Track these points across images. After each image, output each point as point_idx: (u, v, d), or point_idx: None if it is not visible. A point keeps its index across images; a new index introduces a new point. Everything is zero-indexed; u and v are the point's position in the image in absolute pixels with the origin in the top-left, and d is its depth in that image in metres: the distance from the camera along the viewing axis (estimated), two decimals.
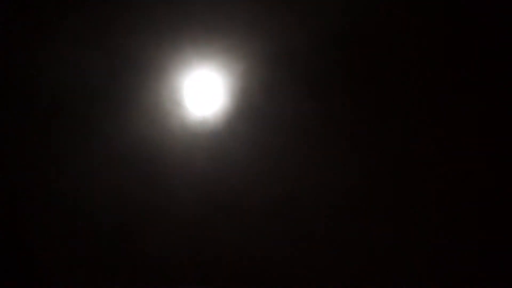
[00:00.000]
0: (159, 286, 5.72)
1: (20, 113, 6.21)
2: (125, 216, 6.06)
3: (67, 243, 6.10)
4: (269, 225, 6.29)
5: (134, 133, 6.10)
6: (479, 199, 6.77)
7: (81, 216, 6.16)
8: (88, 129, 6.09)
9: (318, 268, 6.38)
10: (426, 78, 6.60)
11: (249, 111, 6.29)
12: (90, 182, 6.13)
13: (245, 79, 6.26)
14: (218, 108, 6.08)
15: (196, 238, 5.91)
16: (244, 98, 6.14)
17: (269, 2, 6.32)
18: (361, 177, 6.32)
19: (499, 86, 6.59)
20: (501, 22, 7.09)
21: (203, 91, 6.05)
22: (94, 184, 6.16)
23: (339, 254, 6.10)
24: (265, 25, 6.36)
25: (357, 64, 6.50)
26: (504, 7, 6.93)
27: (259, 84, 6.28)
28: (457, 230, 6.86)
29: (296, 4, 6.48)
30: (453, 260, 6.72)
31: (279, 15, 6.36)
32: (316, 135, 6.38)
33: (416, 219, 6.82)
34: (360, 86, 6.52)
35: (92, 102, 6.13)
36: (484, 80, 6.56)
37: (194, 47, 6.17)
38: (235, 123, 6.20)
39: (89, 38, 6.18)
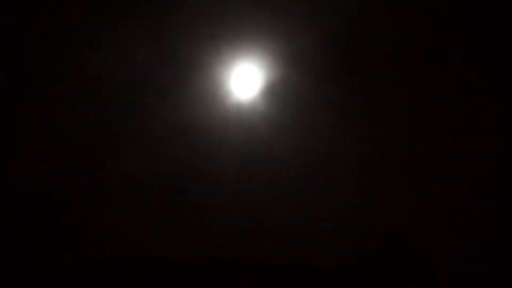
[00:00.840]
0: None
1: (100, 100, 8.24)
2: (181, 177, 8.07)
3: (142, 198, 8.15)
4: (292, 184, 8.14)
5: (187, 114, 8.05)
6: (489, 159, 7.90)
7: (146, 179, 8.04)
8: (150, 111, 8.01)
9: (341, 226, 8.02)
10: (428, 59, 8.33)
11: (273, 95, 8.23)
12: (157, 152, 8.01)
13: (271, 71, 8.35)
14: (250, 94, 8.16)
15: (234, 189, 8.07)
16: (270, 85, 8.19)
17: (288, 12, 8.33)
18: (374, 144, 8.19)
19: None
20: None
21: (239, 80, 8.23)
22: (159, 153, 8.00)
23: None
24: (286, 29, 8.39)
25: (361, 57, 8.44)
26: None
27: (281, 75, 8.25)
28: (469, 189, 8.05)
29: (309, 12, 8.48)
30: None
31: (295, 21, 8.41)
32: (330, 113, 8.20)
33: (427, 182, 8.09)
34: (366, 75, 8.38)
35: (154, 90, 8.18)
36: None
37: (232, 48, 8.36)
38: (263, 105, 8.21)
39: (151, 41, 8.35)
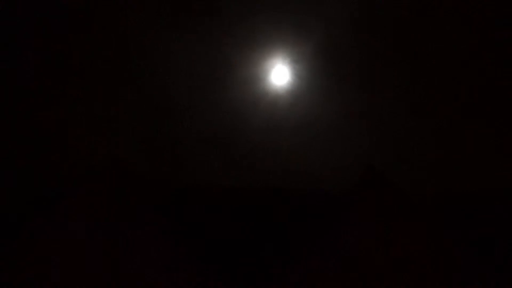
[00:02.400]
0: None
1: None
2: (230, 131, 17.47)
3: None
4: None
5: (233, 99, 18.16)
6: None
7: (212, 132, 17.47)
8: (200, 100, 18.04)
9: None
10: None
11: (302, 84, 18.45)
12: (215, 117, 17.61)
13: (299, 64, 18.89)
14: (282, 82, 18.84)
15: (266, 140, 17.43)
16: (298, 76, 18.51)
17: (314, 11, 19.11)
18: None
19: None
20: None
21: (273, 72, 19.05)
22: (217, 117, 17.54)
23: None
24: (311, 27, 19.25)
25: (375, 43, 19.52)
26: None
27: (309, 66, 18.62)
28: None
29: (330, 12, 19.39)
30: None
31: (322, 18, 19.17)
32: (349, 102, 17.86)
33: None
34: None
35: (205, 81, 18.30)
36: None
37: (267, 44, 18.78)
38: (293, 92, 18.48)
39: (203, 42, 18.55)
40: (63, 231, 11.75)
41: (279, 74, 21.66)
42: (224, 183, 14.33)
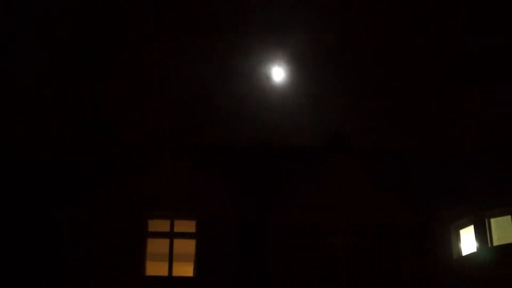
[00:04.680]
0: None
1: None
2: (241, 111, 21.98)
3: None
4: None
5: (244, 87, 21.46)
6: None
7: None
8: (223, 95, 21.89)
9: None
10: None
11: (298, 80, 21.63)
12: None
13: (296, 63, 21.72)
14: (283, 77, 21.76)
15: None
16: (296, 74, 21.77)
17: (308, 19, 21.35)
18: None
19: None
20: None
21: (276, 69, 21.72)
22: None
23: None
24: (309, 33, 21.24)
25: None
26: None
27: (304, 65, 21.31)
28: None
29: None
30: None
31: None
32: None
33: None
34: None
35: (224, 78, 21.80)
36: None
37: (269, 48, 21.68)
38: (292, 86, 21.63)
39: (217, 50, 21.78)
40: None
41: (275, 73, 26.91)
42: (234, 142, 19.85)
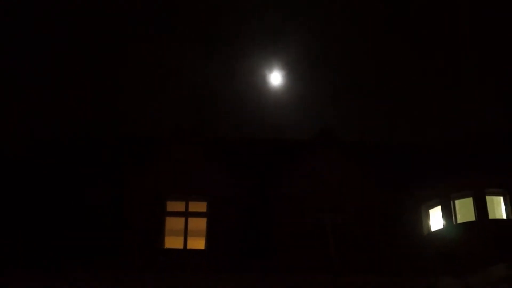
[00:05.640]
0: None
1: None
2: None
3: None
4: None
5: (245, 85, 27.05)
6: None
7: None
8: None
9: None
10: None
11: (292, 83, 25.22)
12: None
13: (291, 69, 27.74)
14: (279, 80, 26.77)
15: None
16: (290, 78, 25.17)
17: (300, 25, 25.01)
18: None
19: None
20: None
21: (274, 73, 26.88)
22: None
23: None
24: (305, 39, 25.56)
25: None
26: None
27: (297, 70, 30.52)
28: None
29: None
30: None
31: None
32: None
33: None
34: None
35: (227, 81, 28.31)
36: None
37: (267, 55, 29.45)
38: (286, 88, 26.46)
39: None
40: None
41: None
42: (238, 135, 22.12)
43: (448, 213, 18.85)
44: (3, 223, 17.89)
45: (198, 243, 18.72)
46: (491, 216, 18.46)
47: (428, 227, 19.26)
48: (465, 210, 18.98)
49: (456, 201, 18.96)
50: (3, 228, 17.79)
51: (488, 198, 18.60)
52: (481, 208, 18.45)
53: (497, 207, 18.95)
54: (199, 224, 18.67)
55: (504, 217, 18.65)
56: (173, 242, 18.54)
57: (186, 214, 18.66)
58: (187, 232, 18.39)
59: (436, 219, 19.31)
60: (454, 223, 18.66)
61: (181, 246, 18.25)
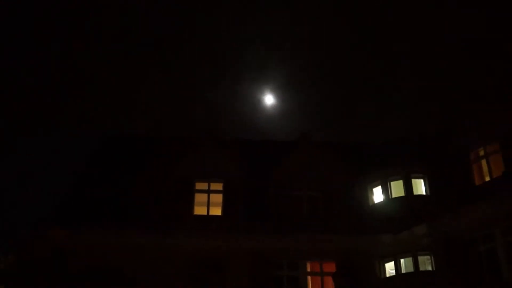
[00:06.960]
0: None
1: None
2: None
3: None
4: None
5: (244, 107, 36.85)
6: None
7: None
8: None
9: None
10: None
11: (282, 101, 42.07)
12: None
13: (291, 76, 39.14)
14: (272, 101, 39.77)
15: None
16: (281, 97, 37.42)
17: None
18: None
19: None
20: None
21: (272, 84, 39.07)
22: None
23: None
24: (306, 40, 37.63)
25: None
26: None
27: (288, 90, 37.20)
28: None
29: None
30: None
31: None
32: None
33: None
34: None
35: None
36: None
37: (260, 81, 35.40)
38: (283, 100, 42.90)
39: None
40: None
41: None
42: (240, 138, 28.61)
43: (386, 191, 23.66)
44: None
45: (216, 210, 24.05)
46: (415, 193, 23.13)
47: (372, 200, 24.15)
48: (397, 188, 23.51)
49: (391, 182, 23.72)
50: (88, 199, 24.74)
51: (413, 180, 23.29)
52: (408, 187, 23.26)
53: (419, 186, 23.56)
54: (217, 198, 24.27)
55: (424, 193, 23.26)
56: (200, 210, 24.03)
57: (208, 191, 24.39)
58: (209, 203, 23.92)
59: (377, 195, 24.05)
60: (390, 197, 23.37)
61: (205, 213, 23.85)
